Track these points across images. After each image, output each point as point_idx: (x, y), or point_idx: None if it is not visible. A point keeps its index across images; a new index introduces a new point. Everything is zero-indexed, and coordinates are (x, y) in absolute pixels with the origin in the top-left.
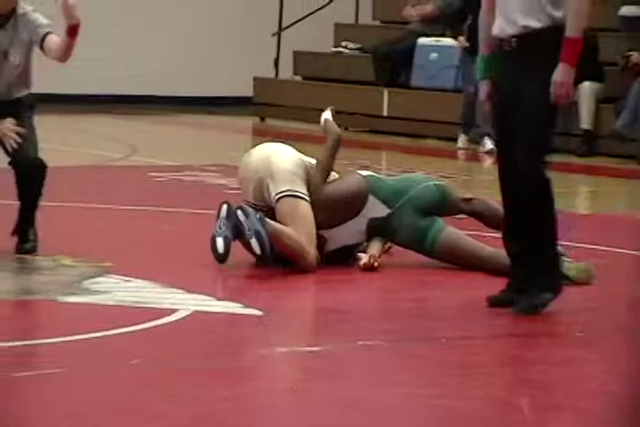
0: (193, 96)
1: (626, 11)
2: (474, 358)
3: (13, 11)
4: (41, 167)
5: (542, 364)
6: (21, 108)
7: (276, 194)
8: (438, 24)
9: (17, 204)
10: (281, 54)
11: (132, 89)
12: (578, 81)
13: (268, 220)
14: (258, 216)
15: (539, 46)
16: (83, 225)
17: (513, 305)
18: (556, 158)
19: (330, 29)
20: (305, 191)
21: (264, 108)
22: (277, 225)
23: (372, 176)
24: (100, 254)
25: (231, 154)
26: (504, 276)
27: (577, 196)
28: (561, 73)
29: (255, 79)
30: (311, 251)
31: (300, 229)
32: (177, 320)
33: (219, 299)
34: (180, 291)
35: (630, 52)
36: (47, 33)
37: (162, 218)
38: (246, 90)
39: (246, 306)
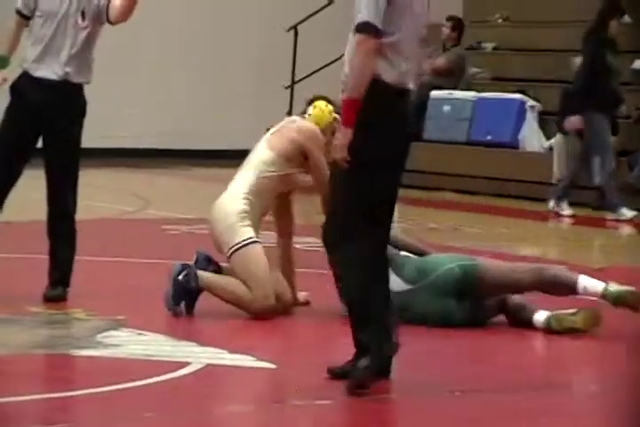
0: (206, 149)
1: (638, 64)
2: (486, 411)
3: None
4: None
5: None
6: (76, 107)
7: (227, 253)
8: (450, 77)
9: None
10: (294, 106)
11: (146, 143)
12: None
13: (204, 274)
14: (194, 272)
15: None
16: (96, 278)
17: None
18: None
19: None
20: (249, 233)
21: None
22: (211, 279)
23: (398, 254)
24: (114, 308)
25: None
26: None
27: (591, 250)
28: (337, 136)
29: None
30: (258, 295)
31: (251, 279)
32: (190, 373)
33: (231, 352)
34: (193, 344)
35: None
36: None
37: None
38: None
39: (259, 359)
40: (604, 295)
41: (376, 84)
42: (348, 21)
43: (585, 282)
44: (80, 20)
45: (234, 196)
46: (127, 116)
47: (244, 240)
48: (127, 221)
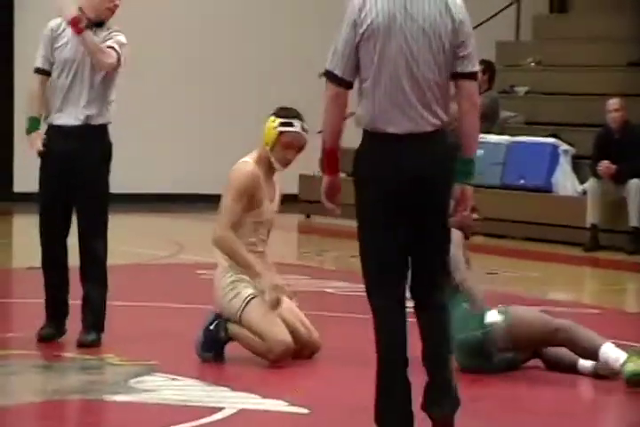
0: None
1: None
2: None
3: (102, 22)
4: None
5: None
6: (100, 149)
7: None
8: (483, 121)
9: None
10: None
11: (178, 188)
12: (626, 178)
13: (233, 326)
14: (224, 323)
15: None
16: (130, 323)
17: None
18: (605, 256)
19: None
20: (240, 296)
21: (309, 205)
22: (237, 330)
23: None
24: (147, 353)
25: (277, 251)
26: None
27: (625, 293)
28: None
29: (301, 177)
30: (271, 346)
31: (262, 333)
32: (223, 419)
33: (264, 397)
34: (226, 389)
35: None
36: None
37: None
38: (292, 187)
39: (292, 404)
40: (620, 372)
41: (363, 132)
42: None
43: (608, 353)
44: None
45: (217, 257)
46: (157, 161)
47: (240, 306)
48: (161, 265)
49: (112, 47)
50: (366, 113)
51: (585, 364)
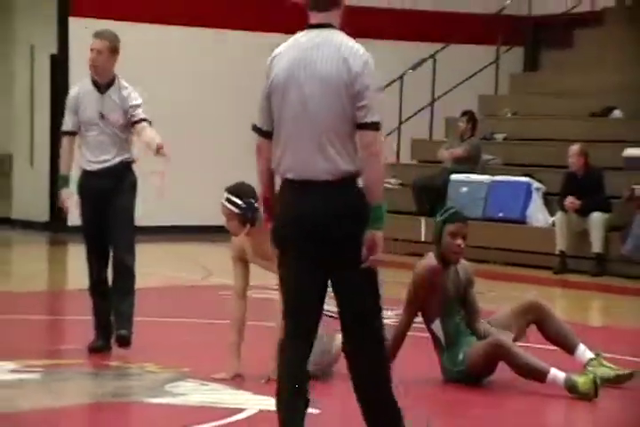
0: None
1: (628, 153)
2: None
3: (112, 81)
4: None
5: None
6: (127, 181)
7: None
8: (468, 163)
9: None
10: None
11: (206, 221)
12: (588, 211)
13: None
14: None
15: None
16: (165, 336)
17: None
18: (572, 278)
19: None
20: None
21: None
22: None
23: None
24: (180, 361)
25: None
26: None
27: (590, 311)
28: None
29: None
30: None
31: None
32: (245, 418)
33: None
34: (248, 393)
35: (634, 186)
36: (141, 119)
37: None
38: None
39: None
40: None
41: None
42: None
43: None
44: (114, 118)
45: None
46: (186, 194)
47: None
48: (192, 287)
49: (145, 119)
50: (275, 159)
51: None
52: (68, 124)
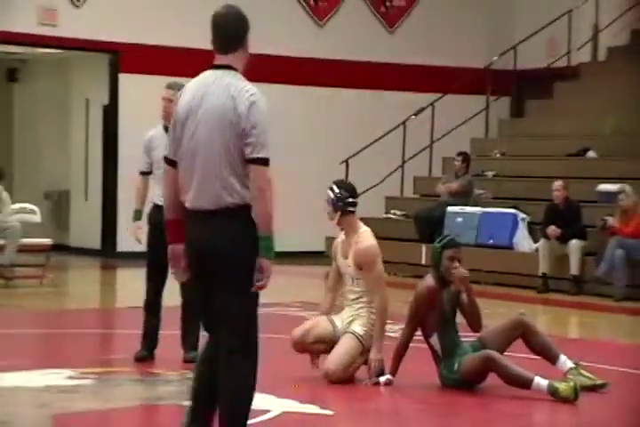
0: (281, 251)
1: (601, 188)
2: None
3: None
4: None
5: None
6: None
7: None
8: (462, 197)
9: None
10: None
11: None
12: (567, 239)
13: None
14: None
15: None
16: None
17: None
18: (553, 297)
19: (382, 201)
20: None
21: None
22: None
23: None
24: None
25: (308, 294)
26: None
27: (568, 325)
28: None
29: (327, 238)
30: None
31: None
32: (270, 419)
33: (301, 402)
34: (273, 396)
35: (606, 217)
36: None
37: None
38: (320, 246)
39: (322, 407)
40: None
41: None
42: (388, 158)
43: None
44: None
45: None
46: None
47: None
48: None
49: None
50: (182, 192)
51: (562, 363)
52: (143, 165)
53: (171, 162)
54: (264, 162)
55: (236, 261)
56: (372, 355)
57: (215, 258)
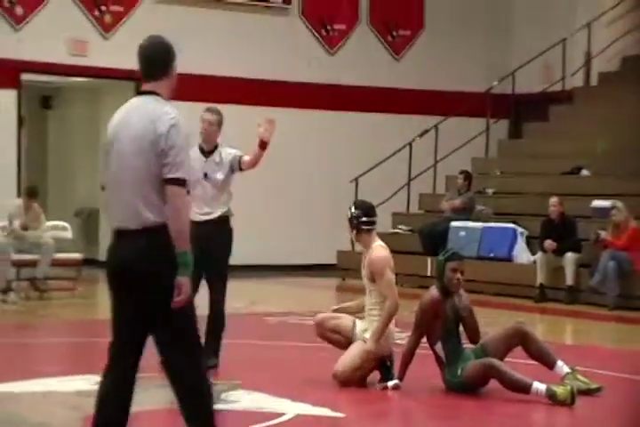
0: (294, 264)
1: (595, 204)
2: None
3: (215, 148)
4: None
5: None
6: (219, 227)
7: None
8: (464, 213)
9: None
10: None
11: (254, 260)
12: (563, 252)
13: None
14: None
15: None
16: (222, 355)
17: None
18: (549, 305)
19: (389, 217)
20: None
21: (345, 271)
22: None
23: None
24: (232, 375)
25: (321, 303)
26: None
27: (564, 333)
28: None
29: (338, 252)
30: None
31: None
32: (285, 421)
33: (314, 405)
34: (288, 400)
35: (599, 231)
36: (241, 156)
37: (273, 349)
38: (332, 259)
39: (334, 410)
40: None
41: None
42: (395, 177)
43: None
44: (215, 177)
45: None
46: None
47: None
48: (239, 315)
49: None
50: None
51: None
52: None
53: (103, 187)
54: (179, 182)
55: (155, 277)
56: (367, 346)
57: (133, 276)
